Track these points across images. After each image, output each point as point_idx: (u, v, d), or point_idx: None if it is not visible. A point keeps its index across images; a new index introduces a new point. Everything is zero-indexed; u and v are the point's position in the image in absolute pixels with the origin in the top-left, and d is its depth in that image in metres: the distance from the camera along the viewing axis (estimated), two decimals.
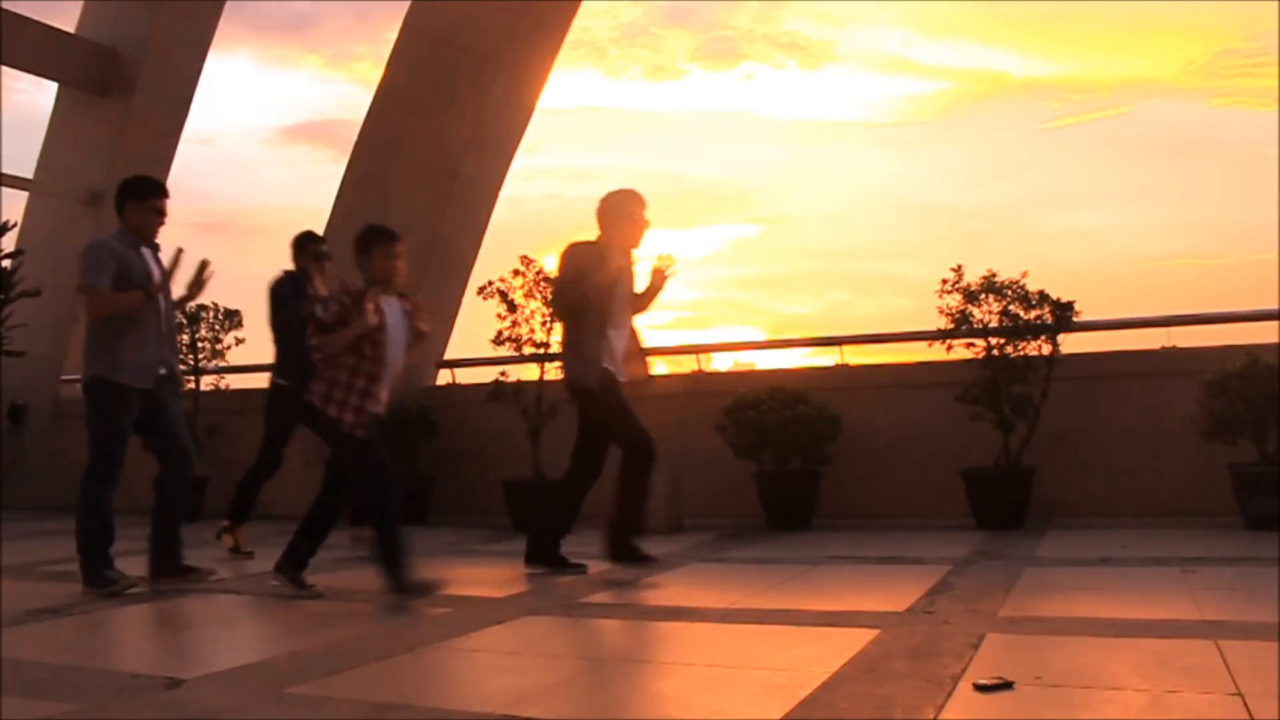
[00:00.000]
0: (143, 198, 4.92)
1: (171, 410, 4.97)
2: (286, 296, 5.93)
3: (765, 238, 14.98)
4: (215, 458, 9.10)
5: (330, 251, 6.18)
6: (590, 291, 4.93)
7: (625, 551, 5.06)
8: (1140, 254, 14.16)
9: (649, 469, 5.02)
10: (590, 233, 5.16)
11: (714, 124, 16.17)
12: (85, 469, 4.78)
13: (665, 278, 5.17)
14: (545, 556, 5.10)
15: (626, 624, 3.90)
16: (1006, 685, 2.71)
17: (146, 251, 4.92)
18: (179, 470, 4.95)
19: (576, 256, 5.05)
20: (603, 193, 5.17)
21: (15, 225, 10.14)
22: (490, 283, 7.49)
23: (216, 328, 8.97)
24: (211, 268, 5.01)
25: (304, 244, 6.13)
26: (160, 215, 4.95)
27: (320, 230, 9.02)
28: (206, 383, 9.07)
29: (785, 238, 15.70)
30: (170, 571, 4.90)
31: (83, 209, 10.74)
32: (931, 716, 2.51)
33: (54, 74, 10.86)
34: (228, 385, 9.29)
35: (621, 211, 5.13)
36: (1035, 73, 14.59)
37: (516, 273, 7.46)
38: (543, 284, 7.43)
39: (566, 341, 5.15)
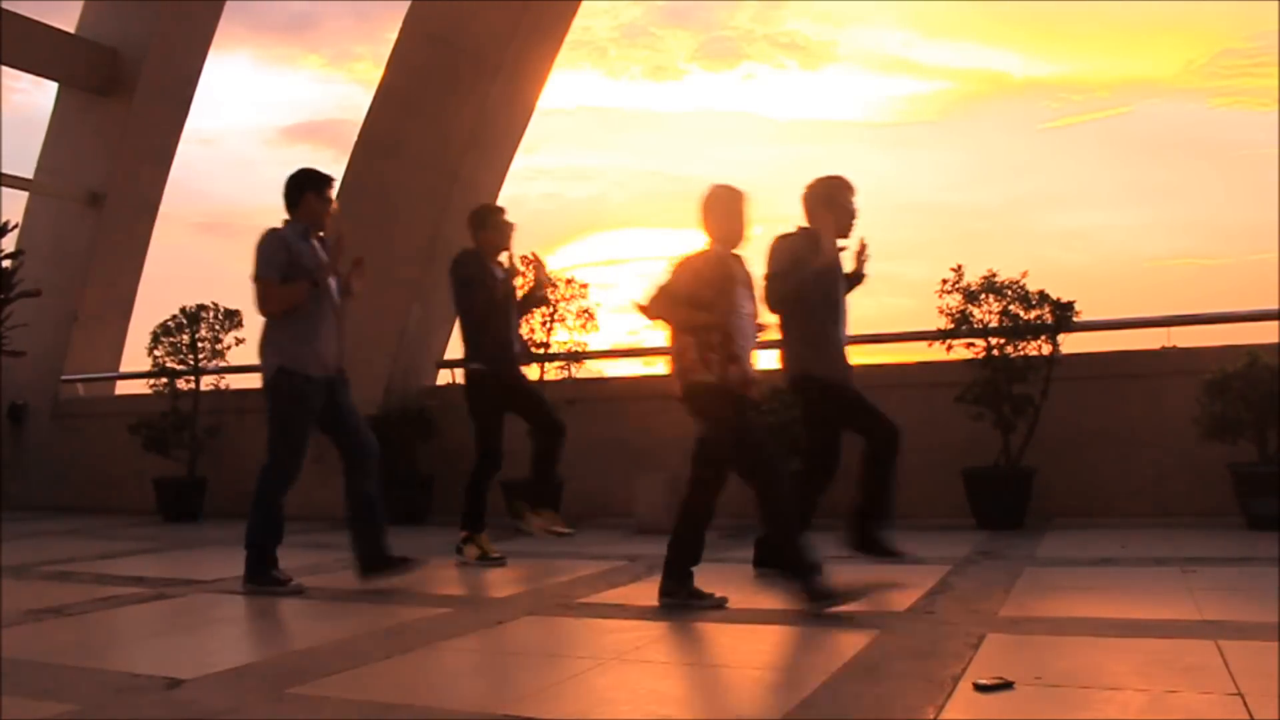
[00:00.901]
0: (320, 189, 4.91)
1: (350, 405, 4.93)
2: (471, 275, 5.60)
3: (765, 238, 14.98)
4: (216, 458, 9.12)
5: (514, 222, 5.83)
6: (809, 280, 4.66)
7: (873, 544, 4.88)
8: (1140, 254, 14.17)
9: (895, 457, 4.88)
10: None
11: (714, 124, 16.17)
12: (264, 465, 4.84)
13: (865, 261, 4.96)
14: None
15: (626, 624, 3.90)
16: (1006, 685, 2.71)
17: (316, 242, 4.91)
18: (369, 467, 4.87)
19: (788, 246, 4.72)
20: (809, 180, 4.89)
21: (16, 226, 10.14)
22: None
23: (216, 328, 8.98)
24: (343, 240, 4.93)
25: (486, 216, 5.78)
26: (331, 205, 4.98)
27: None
28: (206, 383, 9.08)
29: None
30: (383, 565, 4.81)
31: (83, 209, 10.75)
32: (931, 716, 2.51)
33: (54, 74, 10.86)
34: (228, 385, 9.30)
35: (833, 199, 4.84)
36: (1035, 73, 14.59)
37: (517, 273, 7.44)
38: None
39: (797, 335, 4.84)
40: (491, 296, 5.56)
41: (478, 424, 5.61)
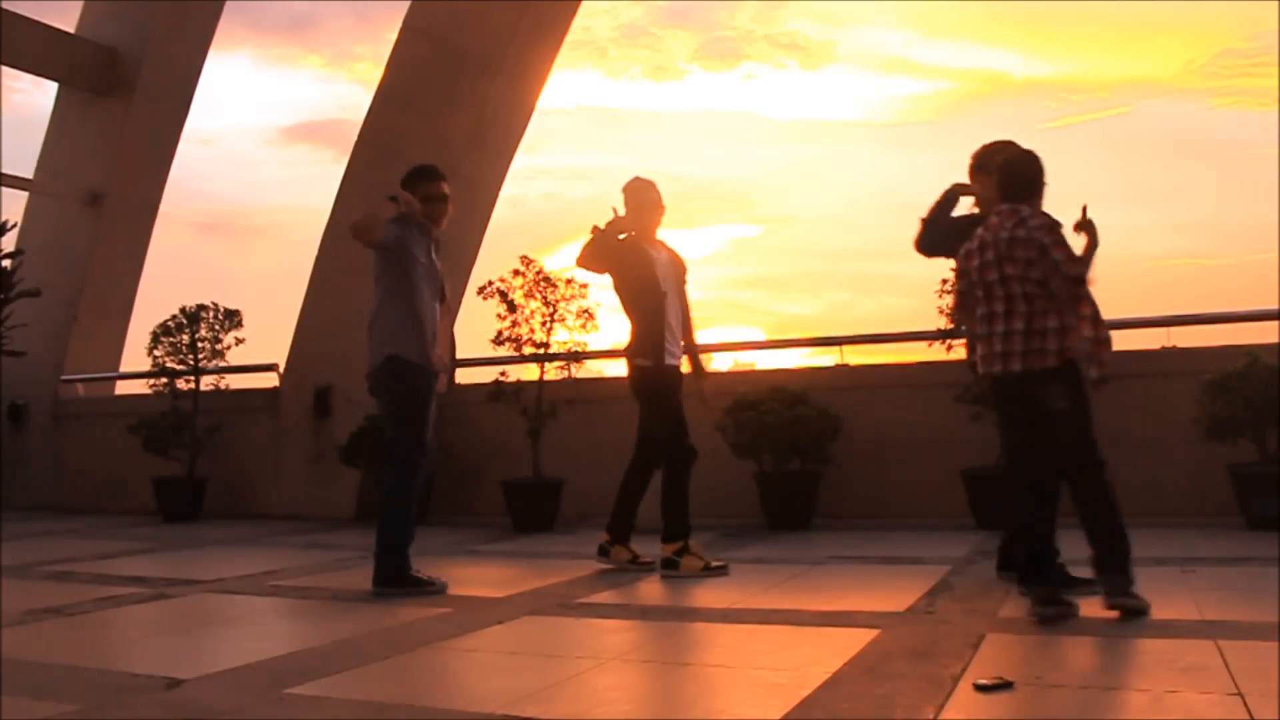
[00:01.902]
0: (416, 182, 4.83)
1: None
2: (638, 263, 5.16)
3: (765, 238, 14.99)
4: (216, 458, 9.11)
5: None
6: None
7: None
8: (1140, 254, 14.19)
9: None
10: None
11: (714, 124, 16.19)
12: (393, 457, 4.62)
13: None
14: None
15: (626, 624, 3.90)
16: (1006, 685, 2.71)
17: (433, 243, 4.81)
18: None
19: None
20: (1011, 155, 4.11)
21: (15, 225, 10.14)
22: (490, 283, 7.50)
23: (216, 328, 8.98)
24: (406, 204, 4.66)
25: (636, 192, 5.30)
26: (437, 202, 4.84)
27: (319, 231, 9.08)
28: (206, 383, 9.08)
29: (785, 238, 15.73)
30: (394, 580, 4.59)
31: (83, 209, 10.75)
32: (931, 716, 2.51)
33: (54, 74, 10.86)
34: (227, 385, 9.30)
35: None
36: (1035, 73, 14.61)
37: (516, 273, 7.45)
38: (542, 283, 7.42)
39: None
40: (657, 287, 5.14)
41: (660, 421, 5.11)
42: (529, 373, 7.69)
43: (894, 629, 3.52)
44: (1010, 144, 4.28)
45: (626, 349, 5.25)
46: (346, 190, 9.04)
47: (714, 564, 5.02)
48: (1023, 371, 3.80)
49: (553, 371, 7.61)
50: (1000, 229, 3.85)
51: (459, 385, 8.89)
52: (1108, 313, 6.88)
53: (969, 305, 4.09)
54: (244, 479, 9.26)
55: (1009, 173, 3.98)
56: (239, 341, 9.07)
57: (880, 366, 7.83)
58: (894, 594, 4.25)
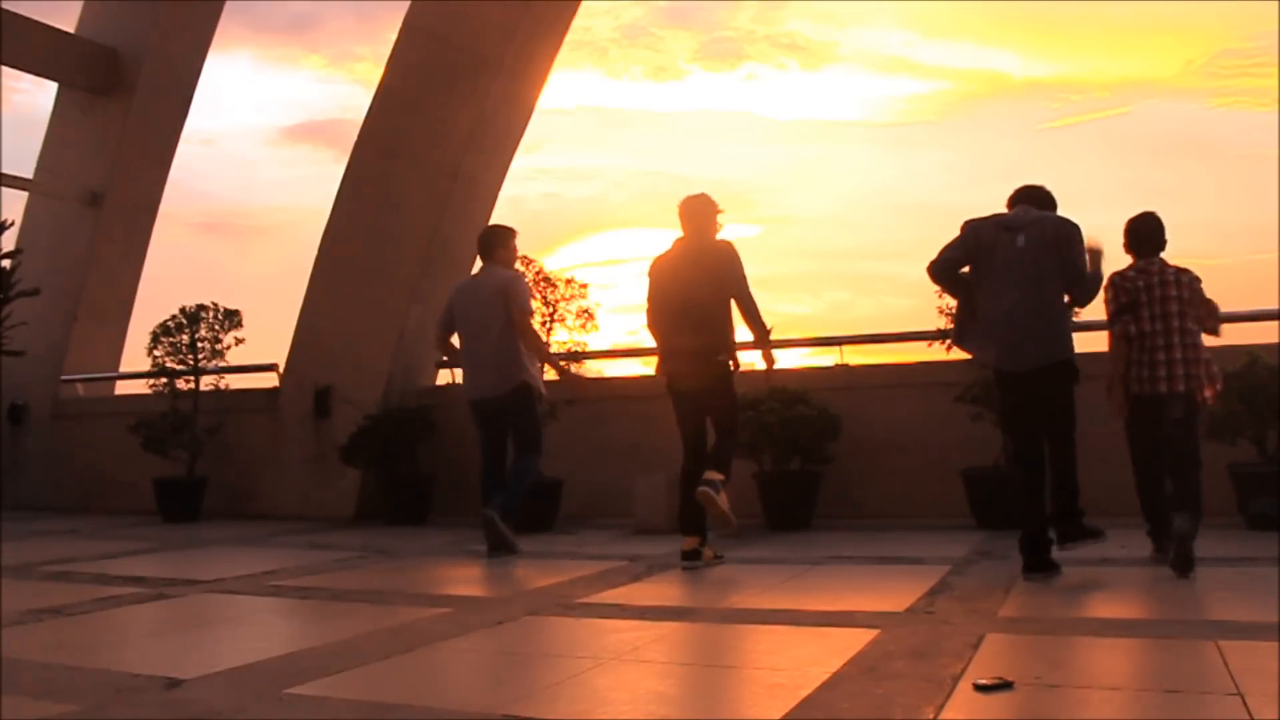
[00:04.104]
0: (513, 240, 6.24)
1: None
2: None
3: (765, 238, 14.97)
4: (216, 458, 9.11)
5: None
6: None
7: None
8: None
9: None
10: None
11: (714, 124, 16.19)
12: (530, 451, 6.02)
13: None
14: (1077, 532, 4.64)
15: (626, 624, 3.90)
16: (1006, 685, 2.71)
17: None
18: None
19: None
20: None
21: (13, 224, 10.14)
22: None
23: (216, 328, 8.99)
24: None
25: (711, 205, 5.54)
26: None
27: (319, 231, 9.08)
28: (206, 383, 9.08)
29: (785, 238, 15.71)
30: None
31: (83, 209, 10.75)
32: (931, 716, 2.51)
33: (54, 74, 10.86)
34: (227, 385, 9.30)
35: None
36: (1035, 73, 14.60)
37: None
38: (542, 283, 7.42)
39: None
40: None
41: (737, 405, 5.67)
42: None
43: (894, 629, 3.52)
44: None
45: (738, 348, 5.50)
46: (346, 190, 9.04)
47: (719, 555, 5.37)
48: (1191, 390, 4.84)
49: (552, 371, 7.61)
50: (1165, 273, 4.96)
51: (459, 385, 8.90)
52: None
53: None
54: (244, 479, 9.26)
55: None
56: (239, 341, 9.08)
57: (880, 366, 7.82)
58: (894, 594, 4.25)
